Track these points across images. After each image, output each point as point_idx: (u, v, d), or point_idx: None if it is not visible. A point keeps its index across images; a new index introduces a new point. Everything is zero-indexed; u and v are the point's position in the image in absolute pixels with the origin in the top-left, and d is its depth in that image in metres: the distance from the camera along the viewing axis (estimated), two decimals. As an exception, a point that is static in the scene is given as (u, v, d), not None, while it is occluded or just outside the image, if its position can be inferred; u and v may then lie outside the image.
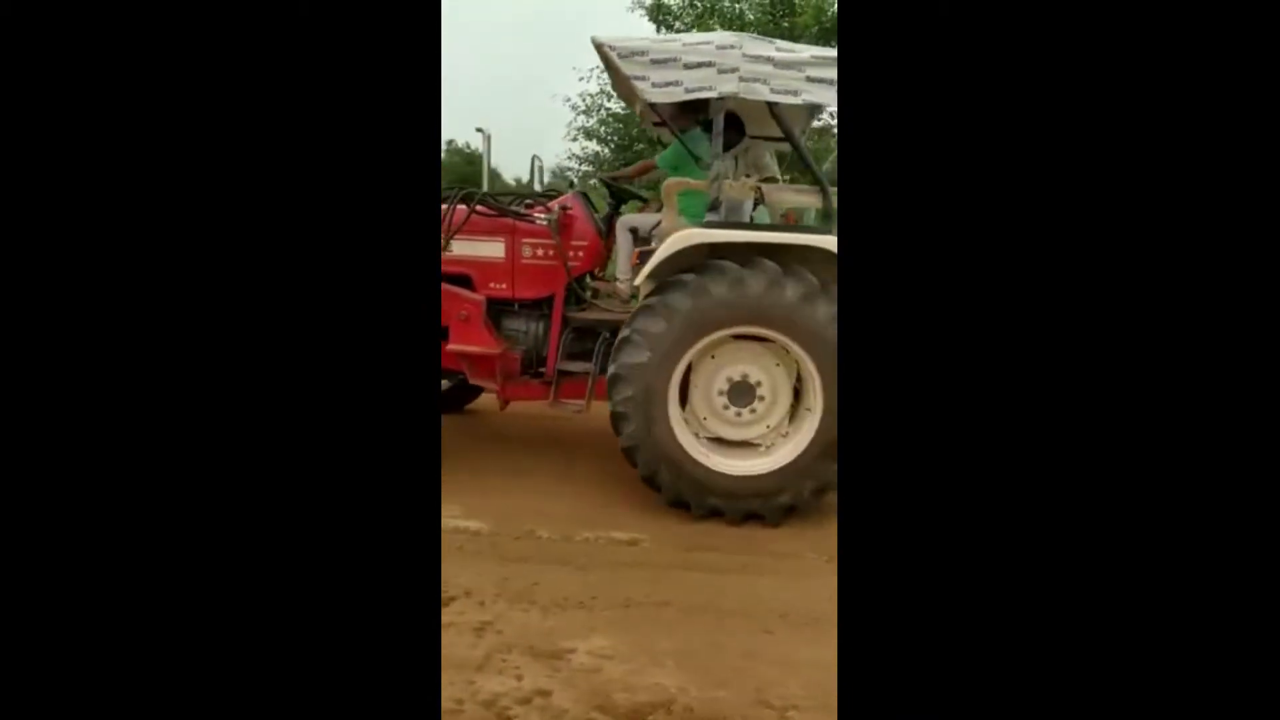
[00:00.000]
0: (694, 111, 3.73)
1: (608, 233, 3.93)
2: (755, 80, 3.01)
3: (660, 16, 10.35)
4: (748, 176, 3.72)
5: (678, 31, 9.93)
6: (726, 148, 4.11)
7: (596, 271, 4.04)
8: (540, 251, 3.73)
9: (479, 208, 3.70)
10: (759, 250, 3.15)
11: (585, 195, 4.14)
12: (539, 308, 3.81)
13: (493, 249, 3.73)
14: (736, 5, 10.24)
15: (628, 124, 10.67)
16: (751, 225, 3.46)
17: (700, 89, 3.05)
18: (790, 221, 3.95)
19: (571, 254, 3.73)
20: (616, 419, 3.22)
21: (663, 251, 3.19)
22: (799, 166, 9.08)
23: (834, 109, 3.46)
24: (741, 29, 9.70)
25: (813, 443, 3.16)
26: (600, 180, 4.19)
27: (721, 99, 3.10)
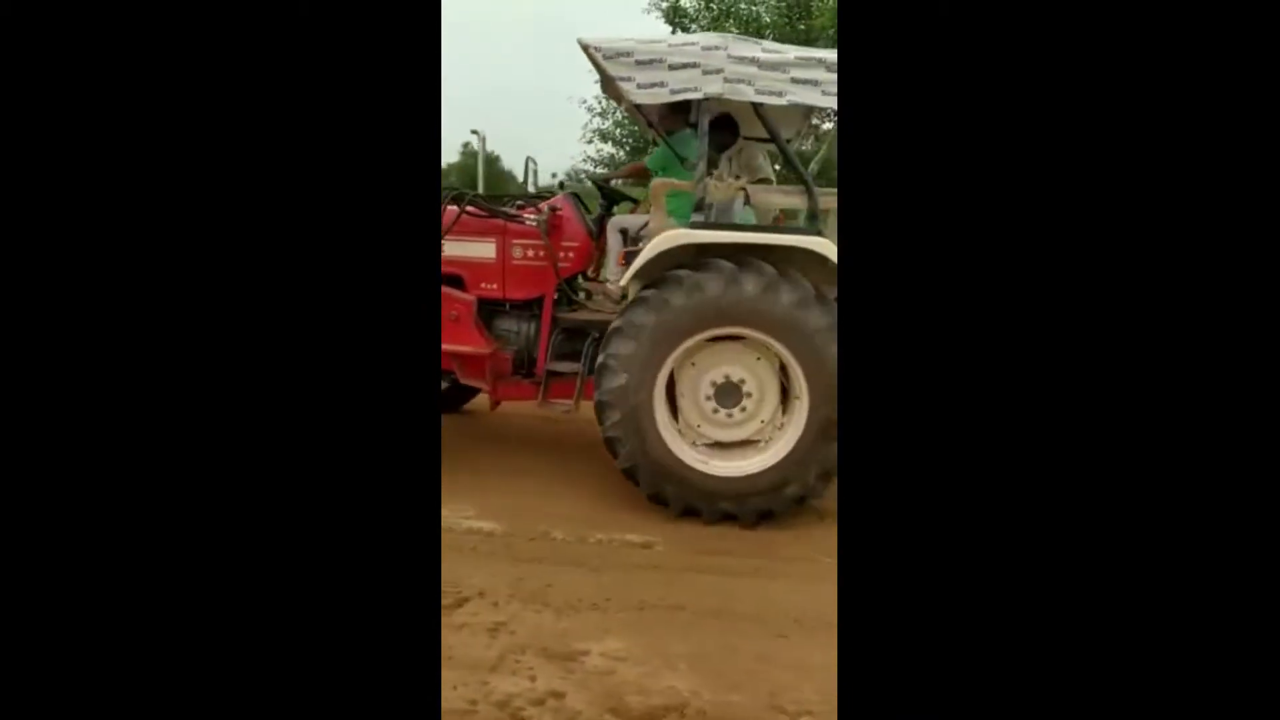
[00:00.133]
0: (683, 112, 3.74)
1: (599, 234, 3.95)
2: (740, 81, 3.01)
3: (676, 19, 10.36)
4: (737, 178, 3.72)
5: (693, 34, 9.92)
6: (721, 149, 4.13)
7: (589, 272, 4.06)
8: (531, 252, 3.75)
9: (469, 208, 3.74)
10: (745, 251, 3.16)
11: (577, 196, 4.16)
12: (530, 308, 3.83)
13: (483, 250, 3.75)
14: (753, 8, 10.23)
15: (643, 125, 10.69)
16: (737, 226, 3.47)
17: (685, 90, 3.06)
18: (780, 223, 3.94)
19: (562, 255, 3.75)
20: (610, 443, 3.24)
21: (647, 252, 3.21)
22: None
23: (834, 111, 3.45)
24: (758, 31, 9.69)
25: (807, 428, 3.15)
26: (592, 181, 4.20)
27: (706, 100, 3.11)
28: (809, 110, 3.25)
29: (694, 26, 10.25)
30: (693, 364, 3.32)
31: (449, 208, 3.71)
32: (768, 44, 3.19)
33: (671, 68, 3.03)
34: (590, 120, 11.78)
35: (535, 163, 4.67)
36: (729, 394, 3.30)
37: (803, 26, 9.79)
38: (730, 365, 3.30)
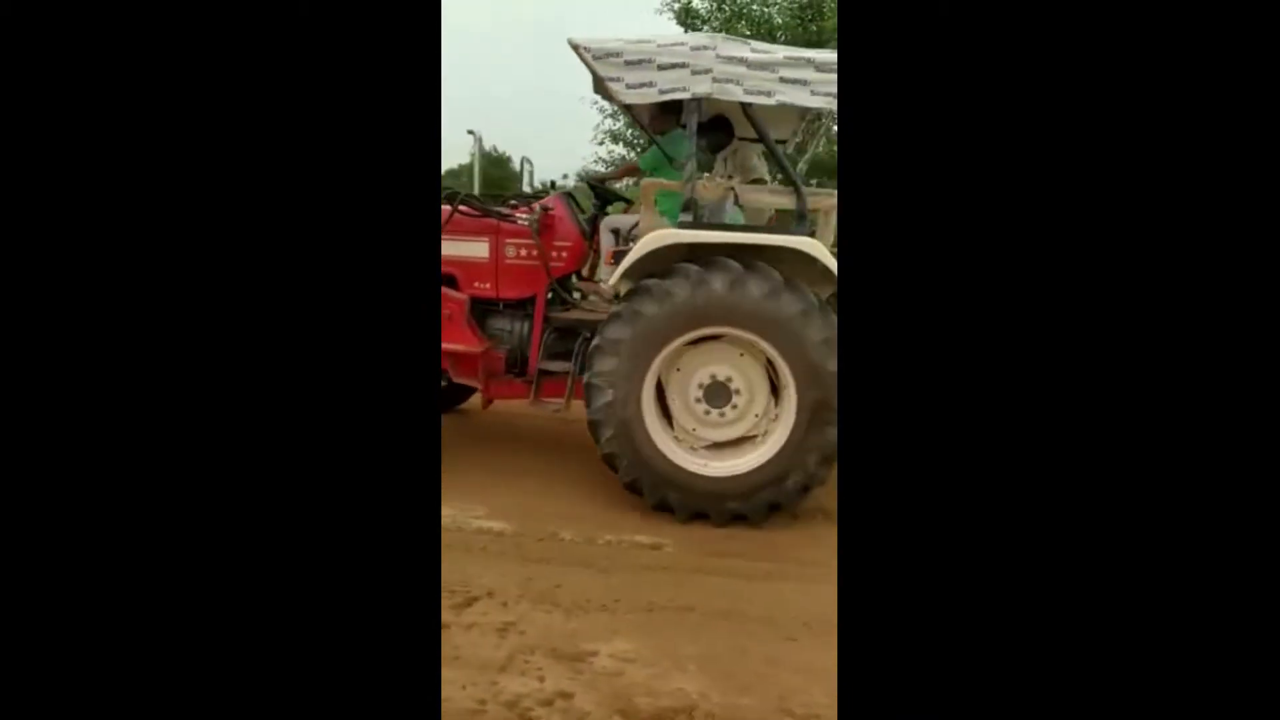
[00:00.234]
0: (675, 113, 3.76)
1: (593, 234, 3.96)
2: (729, 81, 3.02)
3: (688, 20, 10.36)
4: (729, 178, 3.73)
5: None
6: (716, 150, 4.15)
7: (584, 272, 4.08)
8: (523, 252, 3.77)
9: (462, 208, 3.76)
10: (734, 251, 3.17)
11: (571, 196, 4.17)
12: (523, 307, 3.85)
13: (477, 249, 3.78)
14: (765, 9, 10.22)
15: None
16: (726, 226, 3.48)
17: (674, 90, 3.06)
18: (774, 223, 3.95)
19: (554, 255, 3.77)
20: (608, 459, 3.26)
21: (635, 252, 3.22)
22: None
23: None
24: (770, 33, 9.68)
25: (798, 414, 3.14)
26: (585, 181, 4.21)
27: (695, 100, 3.12)
28: (804, 111, 3.25)
29: (705, 28, 10.24)
30: (678, 369, 3.33)
31: (442, 207, 3.74)
32: (756, 44, 3.19)
33: (660, 68, 3.05)
34: (601, 121, 11.80)
35: (530, 163, 4.71)
36: (718, 394, 3.31)
37: (815, 28, 9.77)
38: (715, 365, 3.31)
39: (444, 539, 2.96)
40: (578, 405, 3.51)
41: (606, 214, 4.11)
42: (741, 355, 3.30)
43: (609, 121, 11.54)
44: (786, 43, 9.33)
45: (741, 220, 3.80)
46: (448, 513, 3.20)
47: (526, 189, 4.64)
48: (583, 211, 4.06)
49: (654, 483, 3.22)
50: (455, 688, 1.98)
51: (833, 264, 3.15)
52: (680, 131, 3.71)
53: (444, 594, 2.48)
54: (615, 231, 3.92)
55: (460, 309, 3.63)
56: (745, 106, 3.17)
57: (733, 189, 3.43)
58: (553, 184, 5.36)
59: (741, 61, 3.00)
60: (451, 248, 3.71)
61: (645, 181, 3.54)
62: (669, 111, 3.76)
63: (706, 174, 3.74)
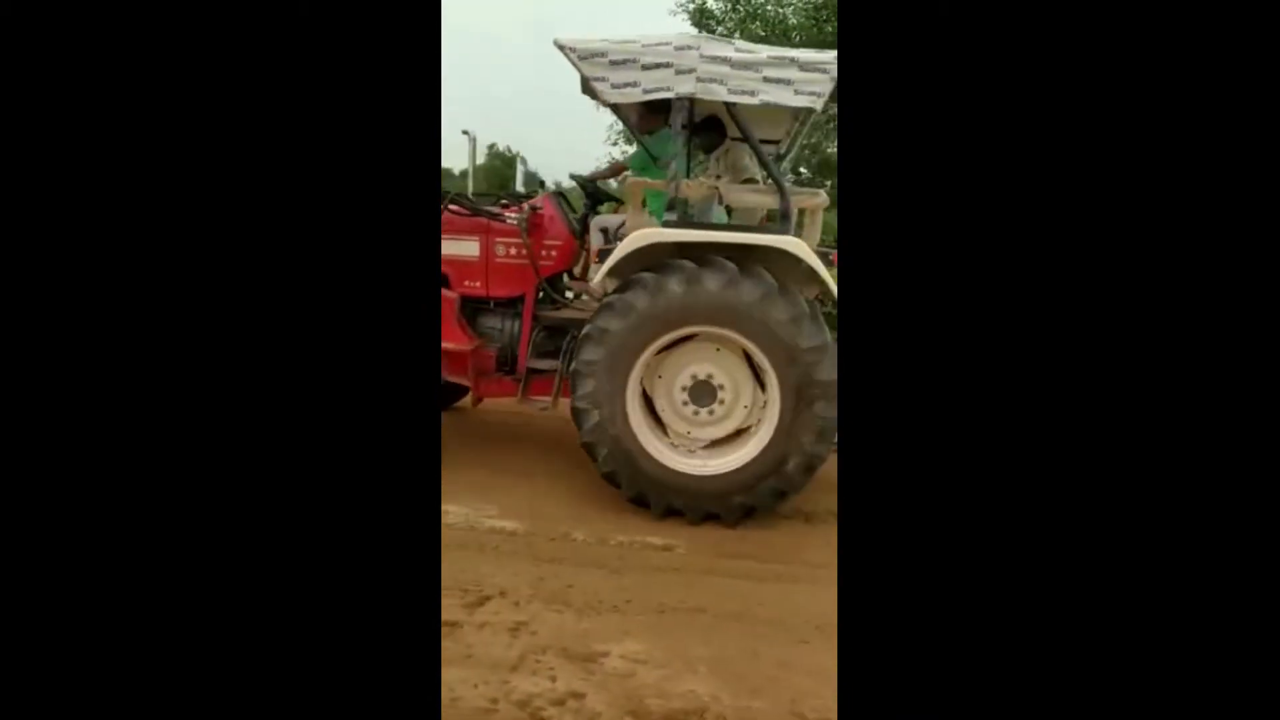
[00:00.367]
0: (663, 112, 3.77)
1: (583, 233, 3.98)
2: (712, 81, 3.02)
3: (703, 20, 10.35)
4: (718, 178, 3.74)
5: (719, 35, 9.92)
6: (708, 150, 4.17)
7: (576, 271, 4.09)
8: (514, 251, 3.79)
9: (452, 207, 3.79)
10: (716, 250, 3.17)
11: (562, 195, 4.19)
12: (514, 306, 3.88)
13: (467, 248, 3.80)
14: (780, 9, 10.20)
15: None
16: (709, 225, 3.49)
17: (658, 90, 3.08)
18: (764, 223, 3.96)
19: (544, 254, 3.79)
20: (608, 477, 3.28)
21: (619, 251, 3.22)
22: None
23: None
24: (784, 33, 9.66)
25: (782, 397, 3.14)
26: (576, 181, 4.23)
27: (680, 100, 3.13)
28: (797, 112, 3.25)
29: (720, 29, 10.23)
30: (660, 376, 3.35)
31: None
32: (741, 43, 3.21)
33: (645, 68, 3.06)
34: (614, 121, 11.80)
35: (525, 162, 4.74)
36: (703, 392, 3.32)
37: (830, 29, 9.73)
38: (695, 365, 3.32)
39: (456, 538, 2.97)
40: (566, 403, 3.53)
41: (599, 213, 4.13)
42: (718, 350, 3.31)
43: (621, 122, 11.54)
44: (801, 43, 9.30)
45: (726, 220, 3.81)
46: (460, 511, 3.21)
47: (520, 189, 4.66)
48: (574, 211, 4.09)
49: (657, 492, 3.24)
50: (467, 686, 1.99)
51: (817, 264, 3.16)
52: (668, 131, 3.73)
53: (456, 593, 2.49)
54: (604, 230, 3.94)
55: (450, 307, 3.67)
56: (729, 106, 3.19)
57: (716, 189, 3.43)
58: (541, 183, 5.38)
59: (725, 61, 3.01)
60: (443, 246, 3.74)
61: (630, 181, 3.58)
62: (657, 111, 3.78)
63: (701, 174, 3.75)
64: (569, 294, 4.02)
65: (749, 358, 3.27)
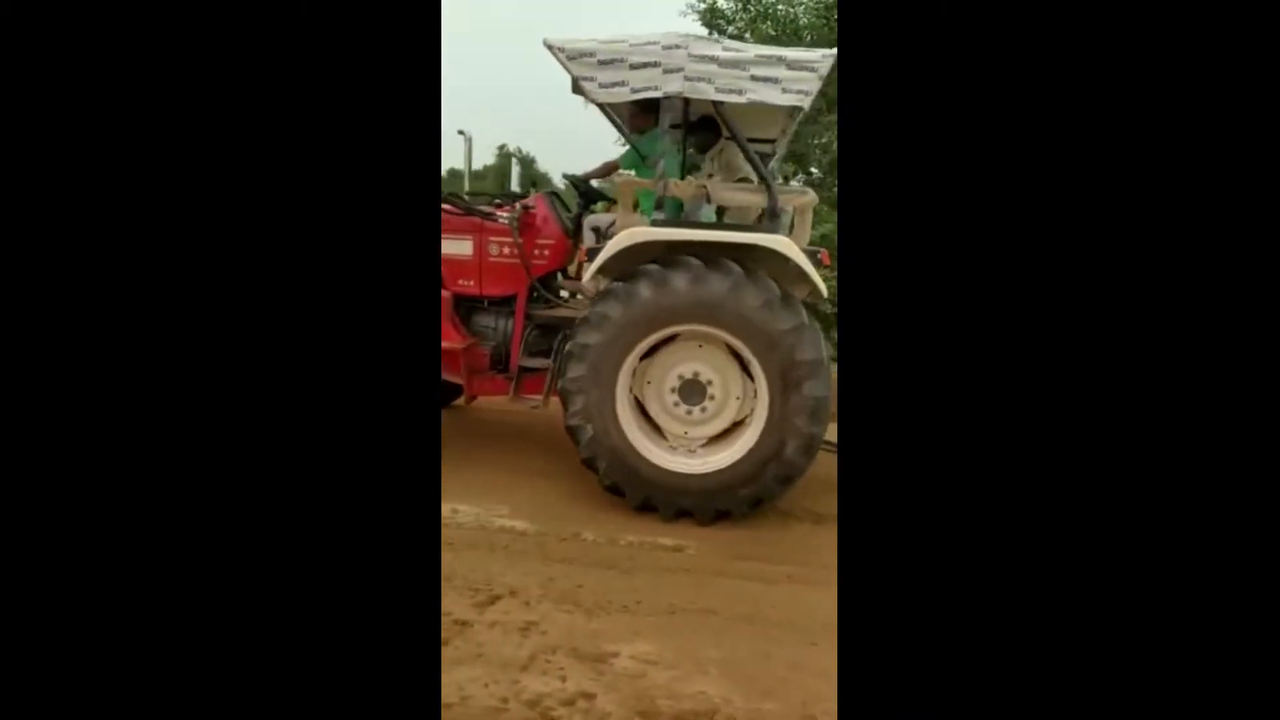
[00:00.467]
0: (654, 111, 3.78)
1: (577, 232, 3.99)
2: (700, 80, 3.03)
3: (714, 20, 10.33)
4: (710, 177, 3.76)
5: (730, 35, 9.90)
6: (703, 149, 4.18)
7: (571, 270, 4.11)
8: (507, 250, 3.82)
9: (445, 206, 3.81)
10: (706, 250, 3.17)
11: (556, 195, 4.21)
12: (508, 305, 3.90)
13: (461, 247, 3.83)
14: (791, 9, 10.17)
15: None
16: (697, 224, 3.51)
17: (645, 89, 3.09)
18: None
19: (537, 253, 3.81)
20: (612, 489, 3.29)
21: (607, 250, 3.23)
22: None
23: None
24: (795, 33, 9.63)
25: (769, 382, 3.13)
26: (569, 180, 4.25)
27: (669, 99, 3.14)
28: (791, 111, 3.26)
29: (731, 29, 10.21)
30: (649, 381, 3.35)
31: None
32: (728, 42, 3.22)
33: (633, 67, 3.07)
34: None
35: (520, 161, 4.75)
36: (693, 391, 3.32)
37: (841, 28, 9.69)
38: (680, 365, 3.33)
39: (467, 537, 2.98)
40: (557, 401, 3.54)
41: (594, 212, 4.15)
42: (700, 346, 3.31)
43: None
44: (812, 43, 9.27)
45: (715, 219, 3.83)
46: (471, 511, 3.21)
47: (516, 188, 4.68)
48: (568, 210, 4.10)
49: (663, 496, 3.23)
50: (478, 685, 1.99)
51: (805, 262, 3.16)
52: (658, 130, 3.74)
53: (467, 592, 2.50)
54: (596, 230, 3.96)
55: (444, 306, 3.70)
56: (717, 105, 3.20)
57: (704, 187, 3.44)
58: (534, 183, 5.41)
59: (713, 60, 3.02)
60: None
61: (621, 180, 3.60)
62: (650, 110, 3.80)
63: (698, 174, 3.76)
64: (564, 293, 4.04)
65: (734, 351, 3.27)
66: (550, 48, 3.15)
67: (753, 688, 2.09)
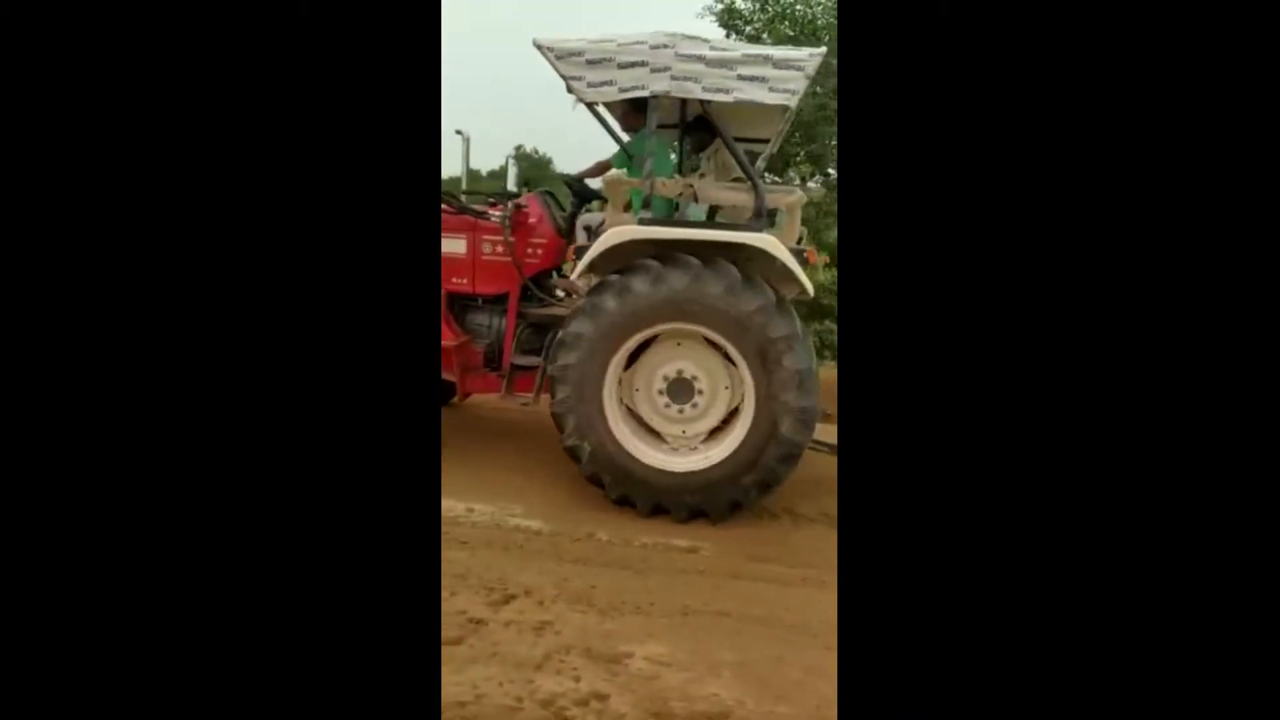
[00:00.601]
0: (645, 111, 3.77)
1: (570, 231, 4.00)
2: (687, 79, 3.04)
3: (731, 21, 10.31)
4: (701, 176, 3.79)
5: (747, 36, 9.88)
6: (699, 149, 4.20)
7: (565, 269, 4.12)
8: (500, 249, 3.84)
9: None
10: (695, 248, 3.18)
11: (550, 194, 4.23)
12: (501, 303, 3.92)
13: (455, 245, 3.85)
14: (809, 9, 10.12)
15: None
16: (685, 223, 3.51)
17: (633, 88, 3.10)
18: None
19: (530, 252, 3.84)
20: (621, 501, 3.28)
21: (595, 248, 3.24)
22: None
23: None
24: (813, 33, 9.59)
25: (750, 365, 3.14)
26: (563, 180, 4.25)
27: (657, 98, 3.14)
28: (785, 110, 3.25)
29: (748, 29, 10.18)
30: (636, 390, 3.36)
31: None
32: (716, 41, 3.23)
33: (620, 66, 3.08)
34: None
35: (516, 160, 4.77)
36: (680, 389, 3.33)
37: (860, 29, 9.64)
38: (663, 366, 3.34)
39: (482, 536, 2.99)
40: (547, 399, 3.56)
41: (589, 211, 4.16)
42: (678, 344, 3.32)
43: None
44: (831, 43, 9.22)
45: (701, 218, 3.84)
46: (486, 510, 3.23)
47: (512, 188, 4.69)
48: (562, 210, 4.11)
49: (674, 497, 3.23)
50: (492, 684, 2.00)
51: (791, 261, 3.16)
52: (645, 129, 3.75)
53: (482, 591, 2.51)
54: (587, 229, 3.98)
55: None
56: (704, 104, 3.20)
57: (691, 186, 3.44)
58: (526, 183, 5.42)
59: (699, 59, 3.03)
60: None
61: (610, 179, 3.61)
62: (641, 110, 3.81)
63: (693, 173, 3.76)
64: (558, 292, 4.05)
65: (713, 342, 3.28)
66: (539, 47, 3.17)
67: (766, 691, 2.08)
